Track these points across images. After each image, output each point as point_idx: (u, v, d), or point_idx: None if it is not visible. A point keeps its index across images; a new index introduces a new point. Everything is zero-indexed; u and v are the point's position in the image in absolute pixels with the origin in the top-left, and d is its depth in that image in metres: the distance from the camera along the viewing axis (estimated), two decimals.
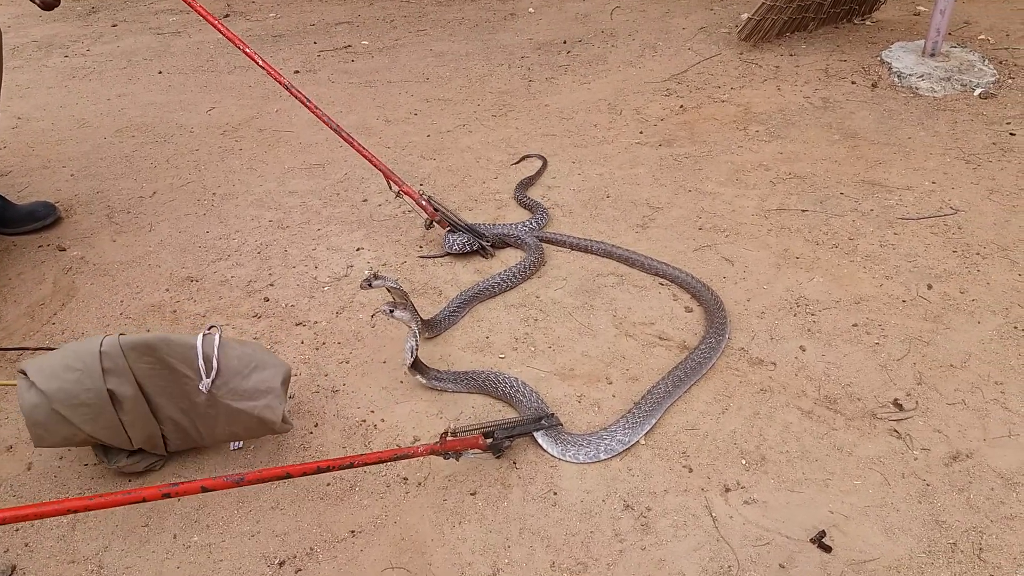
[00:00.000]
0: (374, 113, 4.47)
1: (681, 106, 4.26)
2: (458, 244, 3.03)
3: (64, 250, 3.26)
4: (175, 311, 2.86)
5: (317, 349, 2.64)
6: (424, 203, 3.06)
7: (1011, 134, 3.66)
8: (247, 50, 2.99)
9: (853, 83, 4.32)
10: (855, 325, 2.59)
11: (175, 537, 2.02)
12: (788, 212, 3.23)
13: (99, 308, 2.90)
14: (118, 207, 3.58)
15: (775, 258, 2.94)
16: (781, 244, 3.02)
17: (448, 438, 2.05)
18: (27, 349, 2.68)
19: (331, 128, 3.04)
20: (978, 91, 4.00)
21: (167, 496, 1.68)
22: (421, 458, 2.17)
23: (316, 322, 2.76)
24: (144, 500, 1.66)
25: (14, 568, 1.96)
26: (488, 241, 3.06)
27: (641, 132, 4.01)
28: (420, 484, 2.13)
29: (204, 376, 1.99)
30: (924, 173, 3.43)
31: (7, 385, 2.15)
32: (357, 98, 4.71)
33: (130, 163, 4.01)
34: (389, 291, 2.47)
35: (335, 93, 4.78)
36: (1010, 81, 4.15)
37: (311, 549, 1.97)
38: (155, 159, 4.04)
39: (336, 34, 5.99)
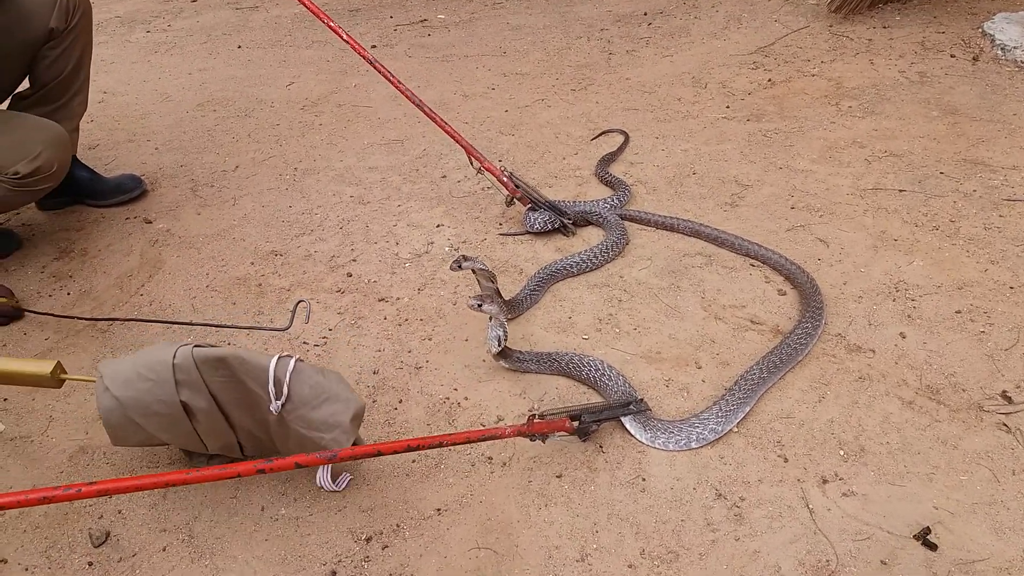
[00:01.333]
0: (451, 88, 4.44)
1: (769, 80, 4.11)
2: (540, 222, 2.98)
3: (150, 222, 3.33)
4: (260, 284, 2.89)
5: (400, 325, 2.63)
6: (505, 180, 3.01)
7: None
8: (331, 24, 2.98)
9: (952, 56, 4.10)
10: (958, 312, 2.46)
11: (263, 509, 2.04)
12: (885, 192, 3.08)
13: (185, 280, 2.95)
14: (202, 180, 3.64)
15: (872, 240, 2.81)
16: (878, 225, 2.88)
17: (535, 420, 2.02)
18: (116, 320, 2.74)
19: (414, 103, 3.01)
20: None
21: (261, 472, 1.69)
22: (506, 439, 2.15)
23: (398, 298, 2.76)
24: (239, 475, 1.67)
25: (108, 534, 2.01)
26: (570, 219, 3.00)
27: (727, 107, 3.88)
28: (505, 464, 2.11)
29: (274, 399, 1.92)
30: None
31: (86, 381, 2.17)
32: (434, 72, 4.68)
33: (212, 137, 4.07)
34: (475, 273, 2.44)
35: (412, 67, 4.75)
36: None
37: (397, 526, 1.97)
38: (236, 133, 4.09)
39: (412, 8, 5.95)
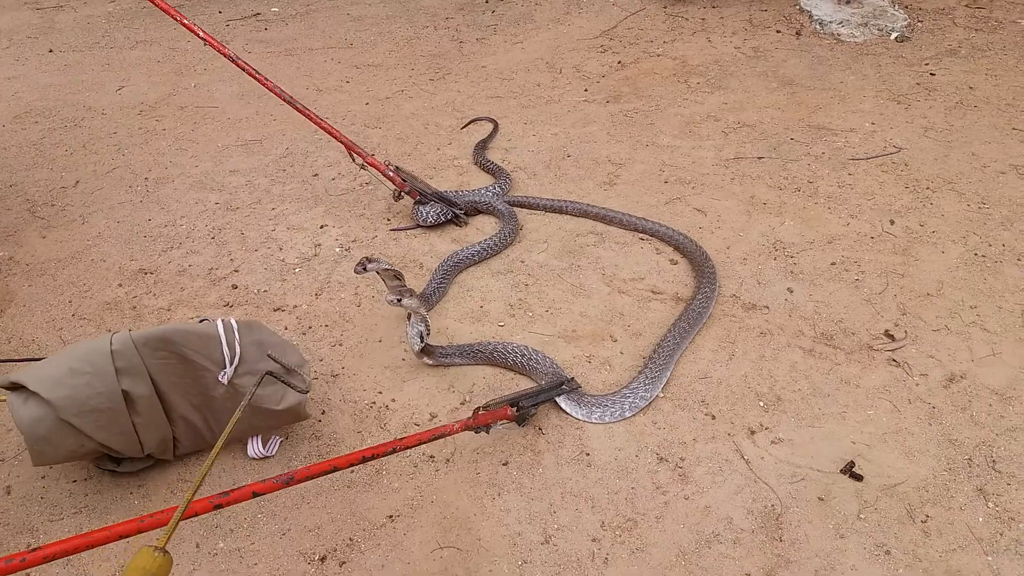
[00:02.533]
0: (302, 83, 4.25)
1: (619, 62, 4.26)
2: (432, 215, 2.94)
3: None
4: (135, 307, 2.65)
5: (304, 334, 2.51)
6: (391, 174, 2.94)
7: (931, 74, 3.87)
8: (185, 21, 2.77)
9: (778, 32, 4.45)
10: (833, 264, 2.69)
11: (198, 546, 1.89)
12: (746, 160, 3.30)
13: (45, 311, 2.65)
14: (39, 200, 3.28)
15: (743, 205, 3.01)
16: (746, 191, 3.09)
17: (480, 412, 2.00)
18: None
19: (284, 100, 2.86)
20: (894, 35, 4.21)
21: (219, 507, 1.56)
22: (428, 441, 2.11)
23: (296, 306, 2.63)
24: (196, 515, 1.54)
25: None
26: (461, 209, 2.98)
27: (586, 90, 3.99)
28: (448, 460, 2.08)
29: (228, 364, 1.89)
30: (862, 115, 3.58)
31: None
32: (280, 68, 4.46)
33: (40, 151, 3.67)
34: (380, 274, 2.37)
35: (254, 63, 4.42)
36: (920, 24, 4.38)
37: (351, 539, 1.89)
38: (69, 145, 3.71)
39: (241, 1, 5.63)
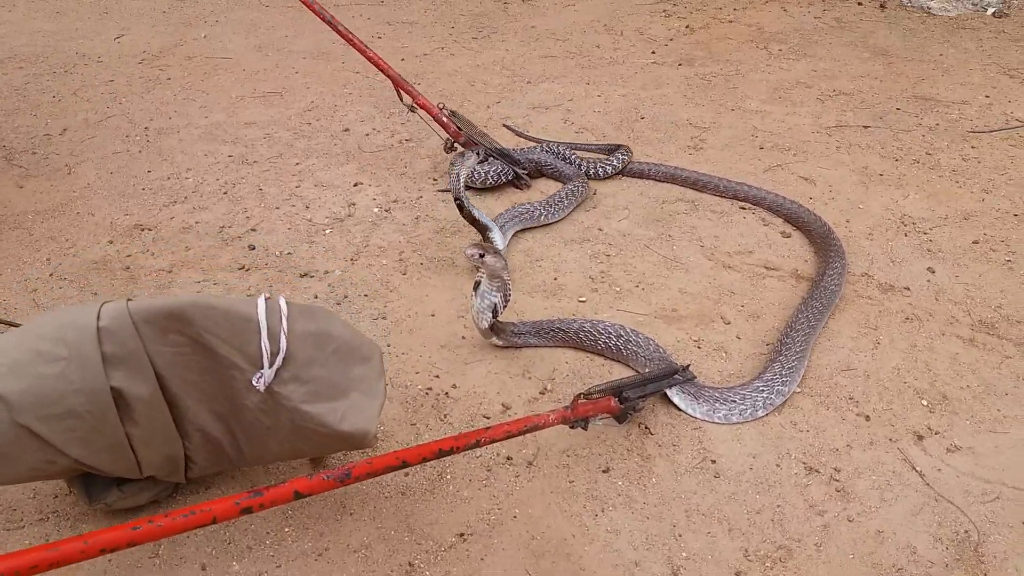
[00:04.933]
0: (328, 37, 3.75)
1: (687, 26, 3.84)
2: (492, 176, 2.45)
3: None
4: (128, 267, 2.17)
5: (339, 304, 2.03)
6: (446, 119, 2.46)
7: None
8: None
9: (860, 3, 4.04)
10: (976, 242, 2.24)
11: (204, 569, 1.39)
12: (850, 129, 2.86)
13: (16, 269, 2.17)
14: (17, 147, 2.80)
15: (857, 176, 2.56)
16: (857, 161, 2.64)
17: (581, 401, 1.52)
18: None
19: (324, 19, 2.45)
20: (991, 10, 3.81)
21: (247, 512, 1.07)
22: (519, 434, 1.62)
23: (327, 271, 2.15)
24: (215, 521, 1.05)
25: None
26: (524, 169, 2.50)
27: (653, 52, 3.56)
28: (531, 464, 1.59)
29: (267, 365, 1.30)
30: (972, 88, 3.14)
31: None
32: (303, 22, 4.00)
33: (23, 96, 3.19)
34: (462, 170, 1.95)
35: (274, 18, 4.06)
36: (1016, 1, 3.96)
37: (410, 565, 1.40)
38: (57, 92, 3.23)
39: None
